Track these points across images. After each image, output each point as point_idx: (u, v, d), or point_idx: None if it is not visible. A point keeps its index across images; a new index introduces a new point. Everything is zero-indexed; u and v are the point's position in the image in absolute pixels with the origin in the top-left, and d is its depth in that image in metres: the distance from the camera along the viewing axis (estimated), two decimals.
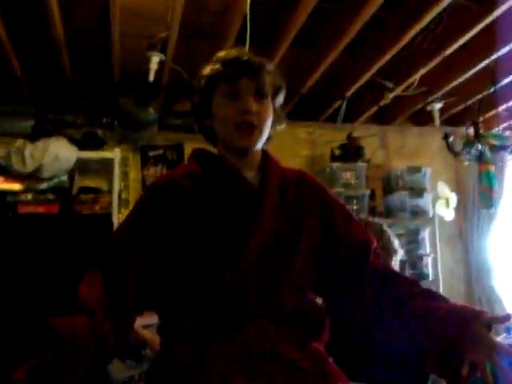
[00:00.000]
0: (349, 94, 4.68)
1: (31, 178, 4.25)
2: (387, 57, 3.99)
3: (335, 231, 1.66)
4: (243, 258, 1.50)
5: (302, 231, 1.60)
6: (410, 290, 1.55)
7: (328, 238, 1.65)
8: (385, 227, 2.75)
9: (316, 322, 1.59)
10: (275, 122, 1.69)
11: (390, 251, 2.63)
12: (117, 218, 4.34)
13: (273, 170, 1.67)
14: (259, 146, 1.65)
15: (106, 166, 4.51)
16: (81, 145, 4.45)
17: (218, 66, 1.62)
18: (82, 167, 4.51)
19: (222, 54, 1.67)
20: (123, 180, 4.74)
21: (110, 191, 4.45)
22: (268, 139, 1.69)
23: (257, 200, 1.58)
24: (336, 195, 4.57)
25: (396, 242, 2.71)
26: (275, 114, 1.67)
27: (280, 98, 1.70)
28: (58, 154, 4.22)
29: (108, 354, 1.45)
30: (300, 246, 1.59)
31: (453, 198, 5.05)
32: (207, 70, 1.65)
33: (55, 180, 4.31)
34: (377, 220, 3.01)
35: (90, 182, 4.63)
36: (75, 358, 1.31)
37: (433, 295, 1.54)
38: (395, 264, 2.64)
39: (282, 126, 1.74)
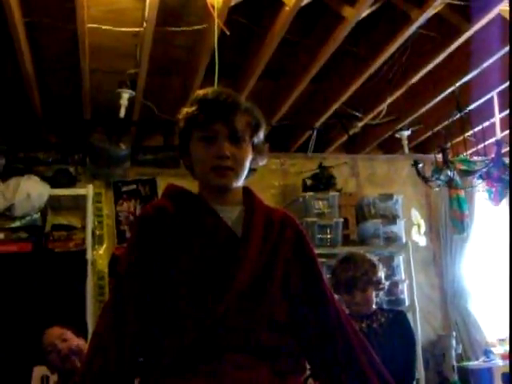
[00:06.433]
0: (318, 124, 4.75)
1: (3, 216, 4.22)
2: (354, 87, 4.06)
3: (306, 285, 1.67)
4: (225, 299, 1.50)
5: (280, 275, 1.61)
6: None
7: (301, 288, 1.66)
8: (376, 262, 2.90)
9: (295, 357, 1.59)
10: (256, 159, 1.69)
11: (380, 285, 2.87)
12: (91, 255, 4.31)
13: (257, 208, 1.67)
14: (237, 184, 1.64)
15: (78, 203, 4.49)
16: (53, 182, 4.44)
17: (193, 108, 1.62)
18: (54, 204, 4.49)
19: (200, 93, 1.66)
20: (97, 216, 4.72)
21: (83, 228, 4.42)
22: (250, 171, 1.69)
23: (239, 244, 1.58)
24: (310, 224, 4.66)
25: (383, 276, 2.92)
26: (255, 151, 1.67)
27: (259, 135, 1.68)
28: (30, 192, 4.20)
29: None
30: (276, 290, 1.59)
31: (422, 224, 5.11)
32: (184, 112, 1.65)
33: (27, 218, 4.29)
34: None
35: (63, 219, 4.60)
36: None
37: None
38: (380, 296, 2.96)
39: (263, 162, 1.75)
